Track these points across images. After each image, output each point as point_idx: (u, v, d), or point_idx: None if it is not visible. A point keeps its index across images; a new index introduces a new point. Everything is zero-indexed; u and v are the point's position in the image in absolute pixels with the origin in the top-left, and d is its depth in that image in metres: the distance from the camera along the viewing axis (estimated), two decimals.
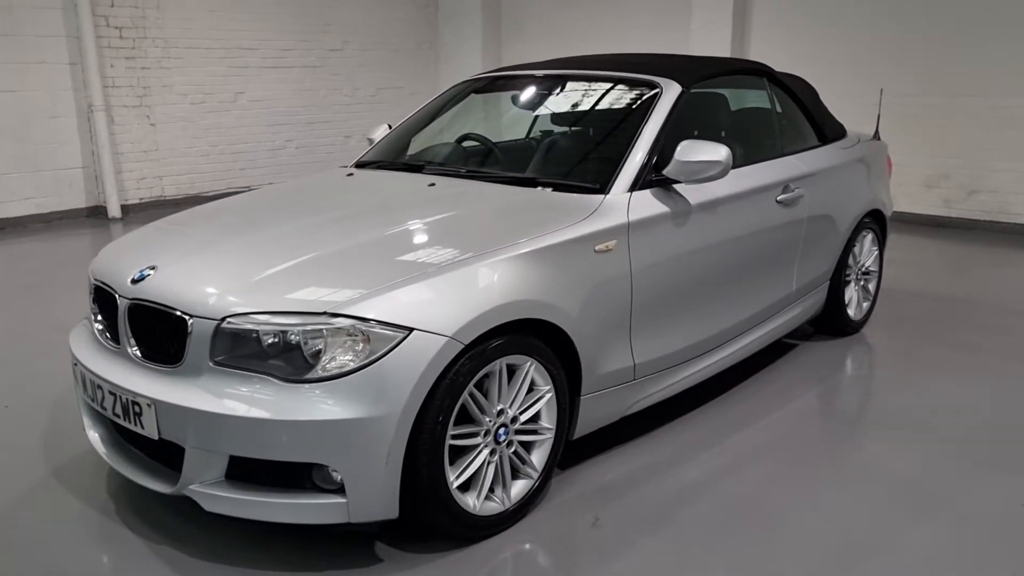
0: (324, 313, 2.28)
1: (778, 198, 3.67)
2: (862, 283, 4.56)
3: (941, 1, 7.28)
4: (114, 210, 7.90)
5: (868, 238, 4.51)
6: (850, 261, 4.37)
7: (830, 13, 7.88)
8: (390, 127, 4.15)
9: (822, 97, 4.51)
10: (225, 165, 8.89)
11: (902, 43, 7.52)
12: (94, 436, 2.75)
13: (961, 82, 7.29)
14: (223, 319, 2.32)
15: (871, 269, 4.61)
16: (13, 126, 7.31)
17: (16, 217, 7.42)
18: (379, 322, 2.28)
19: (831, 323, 4.42)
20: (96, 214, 7.95)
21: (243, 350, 2.32)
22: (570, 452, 3.04)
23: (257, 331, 2.30)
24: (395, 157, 3.84)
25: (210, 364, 2.33)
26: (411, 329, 2.29)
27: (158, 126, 8.29)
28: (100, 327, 2.73)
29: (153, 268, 2.56)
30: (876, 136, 4.89)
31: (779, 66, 5.34)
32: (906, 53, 7.51)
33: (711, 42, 8.33)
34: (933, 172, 7.60)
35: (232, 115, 8.85)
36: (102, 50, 7.68)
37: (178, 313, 2.39)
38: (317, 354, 2.28)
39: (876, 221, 4.55)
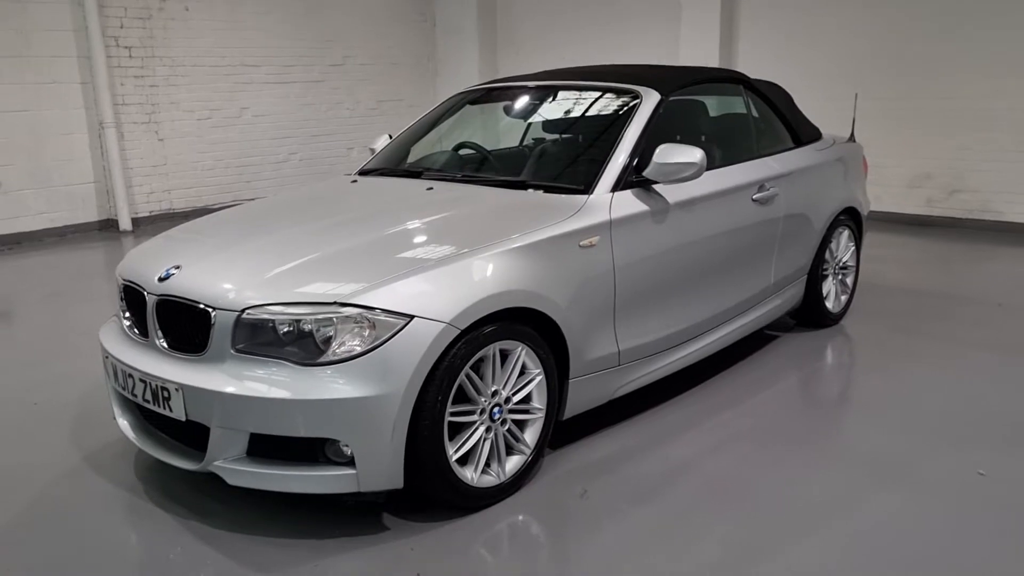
0: (334, 303, 2.54)
1: (754, 197, 3.93)
2: (840, 277, 4.81)
3: (921, 6, 7.55)
4: (125, 223, 8.18)
5: (844, 234, 4.76)
6: (827, 256, 4.62)
7: (814, 21, 8.17)
8: (391, 137, 4.42)
9: (807, 102, 4.78)
10: (231, 178, 9.18)
11: (884, 48, 7.80)
12: (124, 423, 3.00)
13: (942, 85, 7.56)
14: (243, 311, 2.57)
15: (848, 264, 4.86)
16: (27, 144, 7.60)
17: (31, 231, 7.71)
18: (383, 310, 2.53)
19: (810, 315, 4.67)
20: (108, 227, 8.23)
21: (261, 338, 2.58)
22: (560, 432, 3.29)
23: (273, 321, 2.56)
24: (396, 165, 4.10)
25: (232, 352, 2.59)
26: (412, 316, 2.55)
27: (166, 141, 8.58)
28: (128, 323, 2.99)
29: (178, 267, 2.82)
30: (851, 138, 5.15)
31: (765, 73, 5.62)
32: (888, 58, 7.79)
33: (699, 51, 8.61)
34: (916, 172, 7.86)
35: (237, 130, 9.15)
36: (112, 69, 7.98)
37: (202, 306, 2.64)
38: (328, 340, 2.53)
39: (852, 218, 4.80)
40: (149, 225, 8.41)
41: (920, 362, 4.26)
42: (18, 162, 7.56)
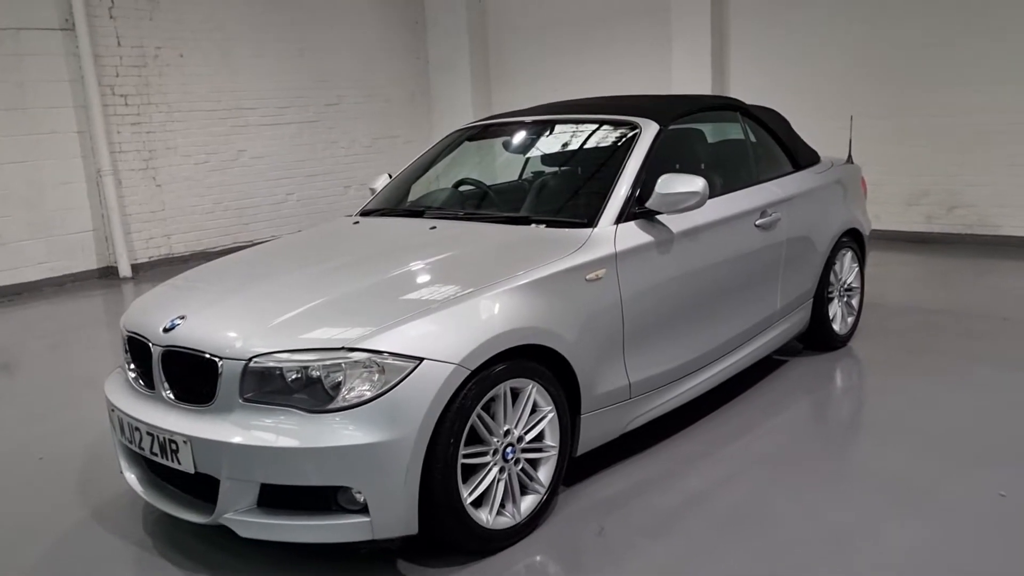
0: (342, 348, 2.51)
1: (756, 223, 3.92)
2: (845, 299, 4.79)
3: (913, 26, 7.62)
4: (125, 270, 8.17)
5: (848, 256, 4.75)
6: (832, 278, 4.60)
7: (805, 44, 8.23)
8: (390, 176, 4.42)
9: (801, 124, 4.79)
10: (230, 221, 9.18)
11: (875, 67, 7.85)
12: (131, 477, 2.96)
13: (934, 101, 7.60)
14: (250, 359, 2.55)
15: (853, 285, 4.85)
16: (26, 194, 7.61)
17: (31, 281, 7.68)
18: (392, 354, 2.50)
19: (818, 338, 4.64)
20: (108, 275, 8.22)
21: (269, 386, 2.55)
22: (574, 468, 3.24)
23: (281, 368, 2.53)
24: (397, 204, 4.10)
25: (240, 401, 2.56)
26: (422, 359, 2.52)
27: (164, 187, 8.60)
28: (134, 374, 2.96)
29: (182, 318, 2.80)
30: (849, 160, 5.16)
31: (758, 96, 5.65)
32: (880, 76, 7.84)
33: (692, 79, 8.67)
34: (914, 190, 7.88)
35: (235, 172, 9.17)
36: (109, 117, 8.02)
37: (208, 356, 2.62)
38: (337, 386, 2.50)
39: (854, 239, 4.80)
40: (149, 271, 8.39)
41: (931, 381, 4.22)
42: (17, 213, 7.57)
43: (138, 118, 8.29)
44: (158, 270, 8.37)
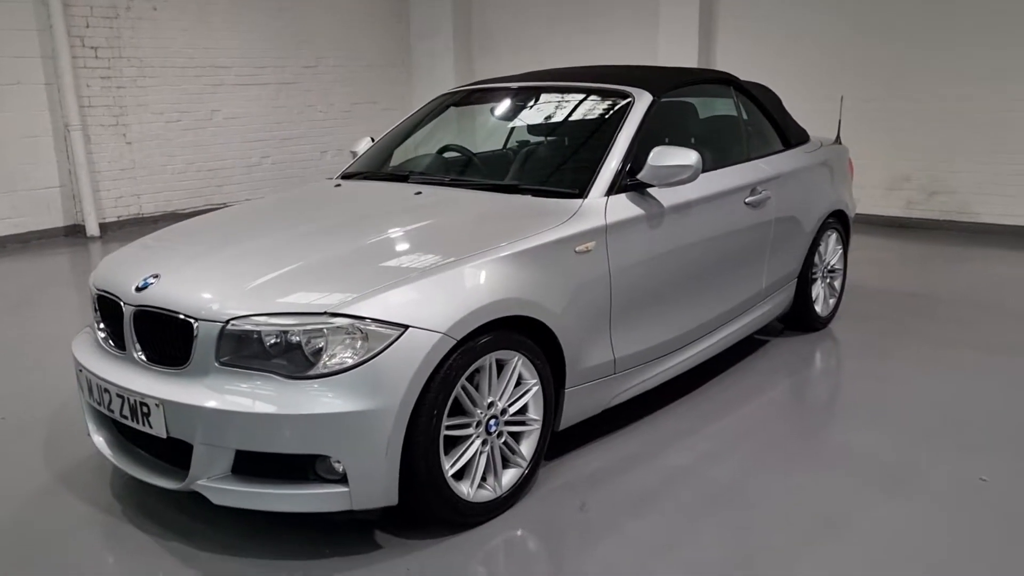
0: (324, 313, 2.41)
1: (746, 200, 3.87)
2: (828, 280, 4.77)
3: (900, 11, 7.59)
4: (92, 229, 7.94)
5: (832, 237, 4.73)
6: (816, 260, 4.58)
7: (792, 23, 8.17)
8: (372, 140, 4.29)
9: (787, 104, 4.74)
10: (202, 182, 8.97)
11: (863, 51, 7.83)
12: (99, 440, 2.85)
13: (920, 88, 7.60)
14: (228, 321, 2.44)
15: (836, 267, 4.83)
16: None
17: None
18: (376, 320, 2.42)
19: (800, 319, 4.62)
20: (74, 233, 7.99)
21: (247, 350, 2.45)
22: (557, 443, 3.19)
23: (260, 332, 2.43)
24: (379, 168, 3.98)
25: (216, 364, 2.46)
26: (406, 327, 2.43)
27: (134, 145, 8.35)
28: (103, 335, 2.84)
29: (156, 276, 2.68)
30: (837, 140, 5.13)
31: (744, 75, 5.57)
32: (867, 60, 7.81)
33: (678, 54, 8.58)
34: (895, 175, 7.89)
35: (208, 132, 8.94)
36: (78, 70, 7.75)
37: (183, 317, 2.51)
38: (318, 352, 2.41)
39: (840, 221, 4.77)
40: (117, 230, 8.18)
41: (911, 364, 4.23)
42: None
43: (108, 72, 8.02)
44: (127, 230, 8.16)
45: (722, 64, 8.55)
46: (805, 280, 4.50)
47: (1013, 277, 6.06)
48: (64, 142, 7.79)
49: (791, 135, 4.52)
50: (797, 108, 6.02)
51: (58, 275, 6.71)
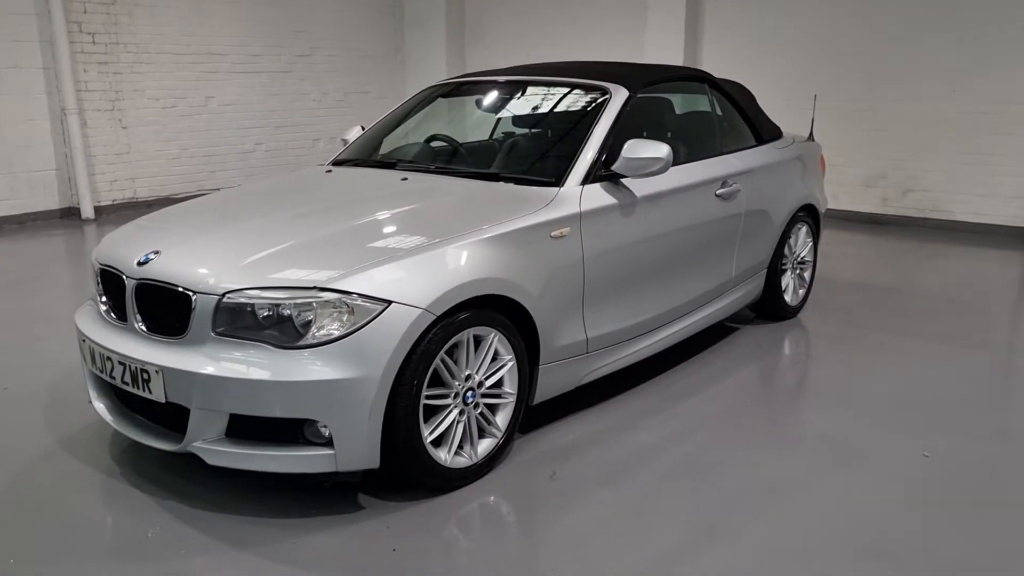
0: (314, 288, 2.60)
1: (717, 192, 4.07)
2: (798, 272, 4.98)
3: (878, 14, 7.80)
4: (87, 211, 8.09)
5: (803, 230, 4.94)
6: (786, 251, 4.78)
7: (776, 24, 8.37)
8: (363, 128, 4.47)
9: (767, 102, 4.93)
10: (196, 168, 9.12)
11: (842, 53, 8.04)
12: (100, 406, 3.03)
13: (896, 88, 7.81)
14: (224, 295, 2.63)
15: (806, 259, 5.04)
16: None
17: None
18: (362, 295, 2.61)
19: (769, 308, 4.83)
20: (69, 215, 8.13)
21: (241, 322, 2.64)
22: (531, 417, 3.40)
23: (253, 305, 2.62)
24: (369, 155, 4.16)
25: (212, 335, 2.64)
26: (390, 302, 2.63)
27: (130, 129, 8.50)
28: (105, 307, 3.02)
29: (157, 252, 2.86)
30: (811, 137, 5.33)
31: (728, 72, 5.78)
32: (845, 62, 8.02)
33: (665, 50, 8.77)
34: (871, 172, 8.12)
35: (203, 119, 9.08)
36: (75, 55, 7.88)
37: (182, 290, 2.69)
38: (307, 324, 2.60)
39: (810, 215, 4.98)
40: (112, 214, 8.33)
41: (872, 352, 4.44)
42: None
43: (105, 57, 8.16)
44: (121, 213, 8.31)
45: (707, 61, 8.75)
46: (775, 270, 4.71)
47: (981, 274, 6.29)
48: (61, 126, 7.93)
49: (764, 131, 4.72)
50: (778, 106, 6.24)
51: (54, 255, 6.86)
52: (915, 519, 2.81)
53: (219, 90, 9.16)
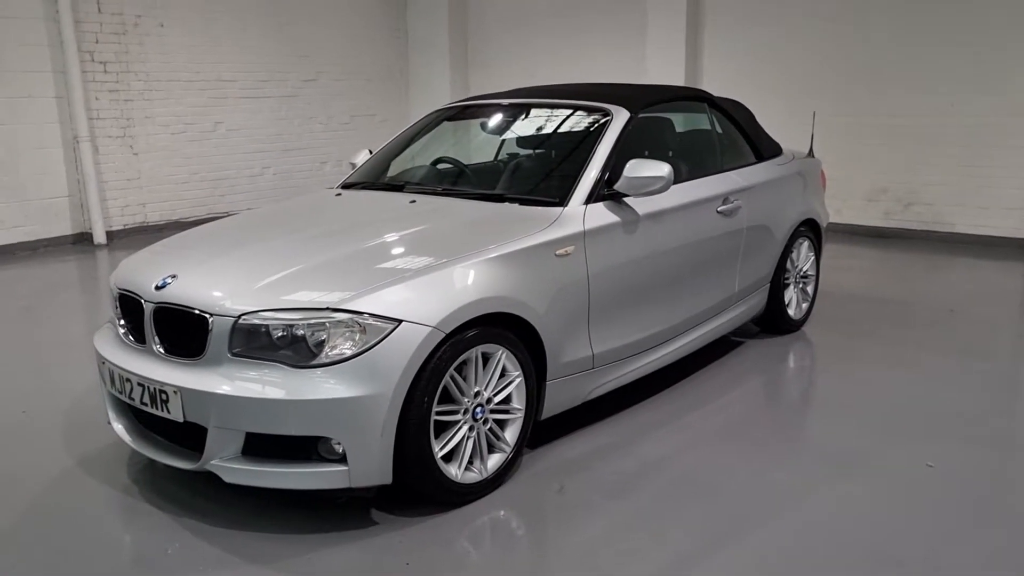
0: (326, 308, 2.69)
1: (718, 209, 4.15)
2: (801, 286, 5.05)
3: (879, 31, 7.90)
4: (99, 237, 8.21)
5: (805, 245, 5.01)
6: (788, 265, 4.85)
7: (775, 42, 8.48)
8: (371, 152, 4.57)
9: (768, 118, 5.02)
10: (205, 192, 9.25)
11: (841, 68, 8.14)
12: (119, 427, 3.11)
13: (897, 102, 7.90)
14: (239, 316, 2.71)
15: (809, 273, 5.10)
16: (1, 158, 7.62)
17: (5, 245, 7.71)
18: (373, 315, 2.69)
19: (773, 322, 4.90)
20: (82, 241, 8.26)
21: (256, 342, 2.72)
22: (539, 432, 3.46)
23: (268, 326, 2.70)
24: (377, 178, 4.26)
25: (228, 355, 2.73)
26: (400, 321, 2.71)
27: (141, 155, 8.64)
28: (124, 330, 3.10)
29: (174, 276, 2.95)
30: (811, 153, 5.41)
31: (728, 90, 5.88)
32: (845, 77, 8.12)
33: (666, 67, 8.88)
34: (873, 186, 8.19)
35: (212, 144, 9.23)
36: (87, 84, 8.04)
37: (199, 312, 2.78)
38: (320, 343, 2.68)
39: (812, 230, 5.05)
40: (124, 238, 8.45)
41: (876, 364, 4.49)
42: None
43: (116, 86, 8.32)
44: (132, 238, 8.43)
45: (708, 80, 8.86)
46: (778, 285, 4.78)
47: (984, 285, 6.34)
48: (73, 153, 8.07)
49: (763, 148, 4.81)
50: (780, 122, 6.33)
51: (67, 280, 6.98)
52: (919, 528, 2.85)
53: (227, 115, 9.31)
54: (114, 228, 8.45)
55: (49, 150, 7.95)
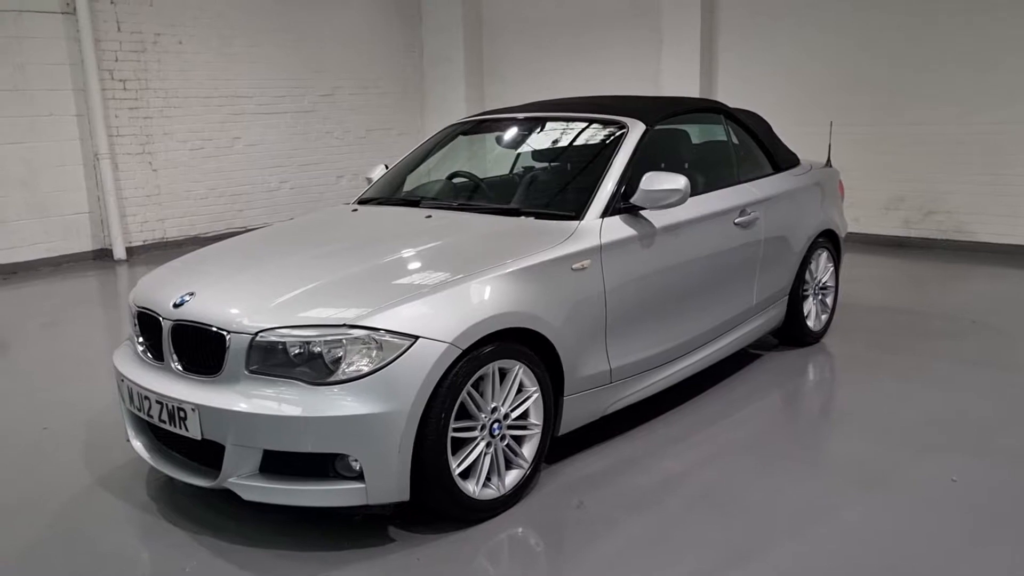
0: (343, 325, 2.69)
1: (736, 221, 4.12)
2: (820, 297, 5.00)
3: (895, 39, 7.85)
4: (119, 252, 8.29)
5: (823, 256, 4.96)
6: (807, 277, 4.81)
7: (791, 52, 8.45)
8: (387, 167, 4.59)
9: (786, 129, 4.99)
10: (223, 207, 9.32)
11: (857, 77, 8.09)
12: (138, 444, 3.13)
13: (913, 111, 7.84)
14: (256, 334, 2.72)
15: (828, 284, 5.06)
16: (23, 175, 7.73)
17: (27, 261, 7.80)
18: (389, 332, 2.69)
19: (792, 334, 4.85)
20: (102, 256, 8.34)
21: (274, 360, 2.72)
22: (557, 447, 3.44)
23: (285, 343, 2.71)
24: (393, 193, 4.27)
25: (245, 373, 2.73)
26: (416, 337, 2.70)
27: (160, 171, 8.72)
28: (142, 347, 3.12)
29: (191, 294, 2.97)
30: (828, 163, 5.37)
31: (744, 101, 5.85)
32: (862, 86, 8.07)
33: (680, 82, 8.87)
34: (891, 195, 8.12)
35: (229, 159, 9.30)
36: (107, 101, 8.13)
37: (216, 330, 2.79)
38: (337, 360, 2.68)
39: (830, 240, 5.01)
40: (143, 254, 8.52)
41: (897, 376, 4.44)
42: (14, 193, 7.69)
43: (136, 103, 8.41)
44: (152, 253, 8.50)
45: (723, 91, 8.83)
46: (796, 296, 4.73)
47: (1006, 294, 6.26)
48: (93, 170, 8.16)
49: (780, 159, 4.78)
50: (795, 134, 6.29)
51: (88, 296, 7.04)
52: (943, 545, 2.81)
53: (245, 131, 9.39)
54: (134, 244, 8.53)
55: (70, 167, 8.04)
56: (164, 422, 2.87)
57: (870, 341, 5.06)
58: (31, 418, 4.09)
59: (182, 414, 2.78)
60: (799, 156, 5.10)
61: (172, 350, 2.93)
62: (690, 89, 8.80)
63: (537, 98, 5.67)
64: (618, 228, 3.46)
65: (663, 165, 3.89)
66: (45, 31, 7.70)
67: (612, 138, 3.84)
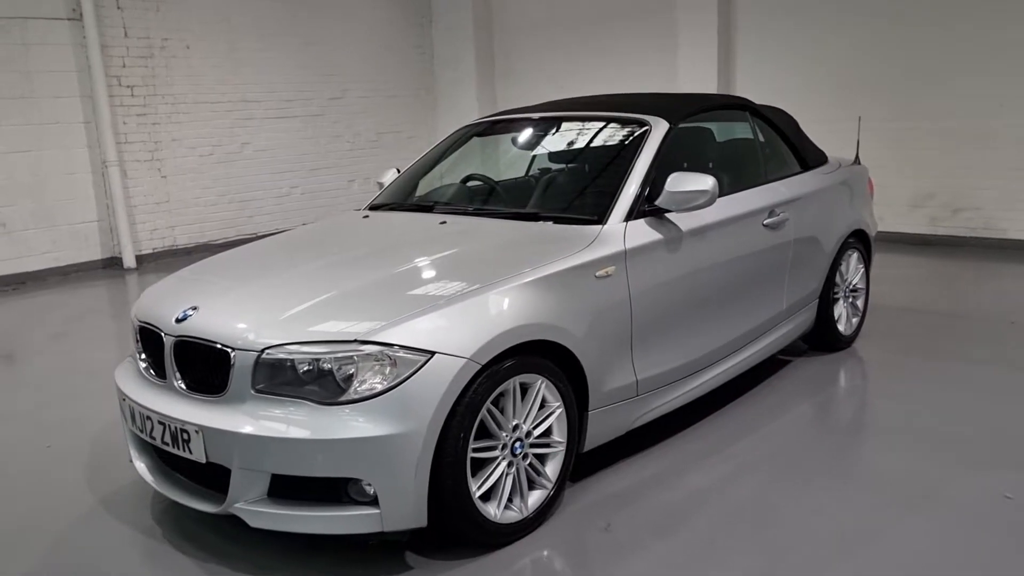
0: (354, 341, 2.52)
1: (764, 222, 3.93)
2: (850, 300, 4.80)
3: (919, 31, 7.63)
4: (129, 261, 8.18)
5: (854, 257, 4.76)
6: (837, 279, 4.61)
7: (813, 45, 8.24)
8: (398, 171, 4.42)
9: (808, 125, 4.79)
10: (234, 213, 9.19)
11: (880, 72, 7.87)
12: (141, 466, 2.97)
13: (942, 106, 7.61)
14: (263, 351, 2.56)
15: (858, 286, 4.86)
16: (31, 184, 7.63)
17: (35, 271, 7.70)
18: (404, 347, 2.52)
19: (823, 339, 4.65)
20: (111, 265, 8.23)
21: (281, 378, 2.56)
22: (582, 464, 3.26)
23: (293, 360, 2.54)
24: (405, 199, 4.10)
25: (252, 392, 2.57)
26: (433, 353, 2.53)
27: (169, 178, 8.61)
28: (144, 364, 2.97)
29: (195, 308, 2.81)
30: (856, 161, 5.17)
31: (763, 97, 5.65)
32: (885, 81, 7.85)
33: (698, 79, 8.68)
34: (918, 192, 7.89)
35: (239, 165, 9.18)
36: (115, 108, 8.03)
37: (220, 347, 2.63)
38: (349, 378, 2.51)
39: (860, 241, 4.80)
40: (153, 262, 8.41)
41: (936, 383, 4.23)
42: (22, 202, 7.59)
43: (144, 109, 8.30)
44: (162, 261, 8.39)
45: (741, 87, 8.63)
46: (827, 300, 4.54)
47: None
48: (102, 178, 8.06)
49: (808, 157, 4.58)
50: (819, 130, 6.09)
51: (97, 306, 6.92)
52: (1001, 569, 2.61)
53: (254, 136, 9.27)
54: (143, 252, 8.41)
55: (78, 175, 7.94)
56: (167, 444, 2.72)
57: (904, 345, 4.85)
58: (34, 435, 3.95)
59: (185, 436, 2.63)
60: (826, 153, 4.90)
61: (175, 368, 2.77)
62: (708, 86, 8.61)
63: (551, 97, 5.50)
64: (643, 232, 3.28)
65: (687, 165, 3.71)
66: (51, 38, 7.59)
67: (634, 137, 3.66)
